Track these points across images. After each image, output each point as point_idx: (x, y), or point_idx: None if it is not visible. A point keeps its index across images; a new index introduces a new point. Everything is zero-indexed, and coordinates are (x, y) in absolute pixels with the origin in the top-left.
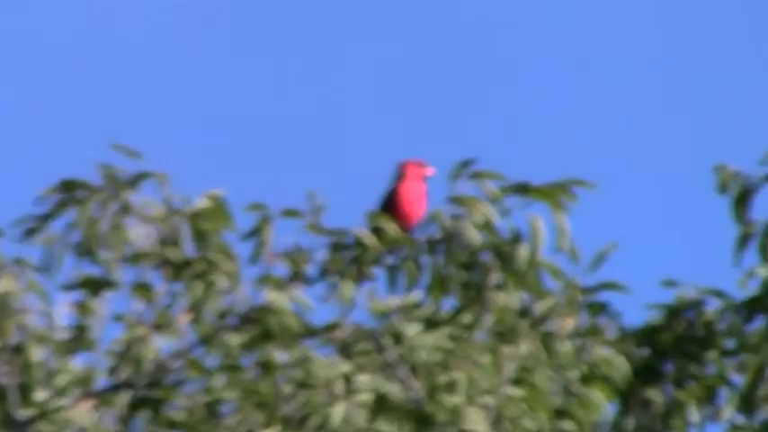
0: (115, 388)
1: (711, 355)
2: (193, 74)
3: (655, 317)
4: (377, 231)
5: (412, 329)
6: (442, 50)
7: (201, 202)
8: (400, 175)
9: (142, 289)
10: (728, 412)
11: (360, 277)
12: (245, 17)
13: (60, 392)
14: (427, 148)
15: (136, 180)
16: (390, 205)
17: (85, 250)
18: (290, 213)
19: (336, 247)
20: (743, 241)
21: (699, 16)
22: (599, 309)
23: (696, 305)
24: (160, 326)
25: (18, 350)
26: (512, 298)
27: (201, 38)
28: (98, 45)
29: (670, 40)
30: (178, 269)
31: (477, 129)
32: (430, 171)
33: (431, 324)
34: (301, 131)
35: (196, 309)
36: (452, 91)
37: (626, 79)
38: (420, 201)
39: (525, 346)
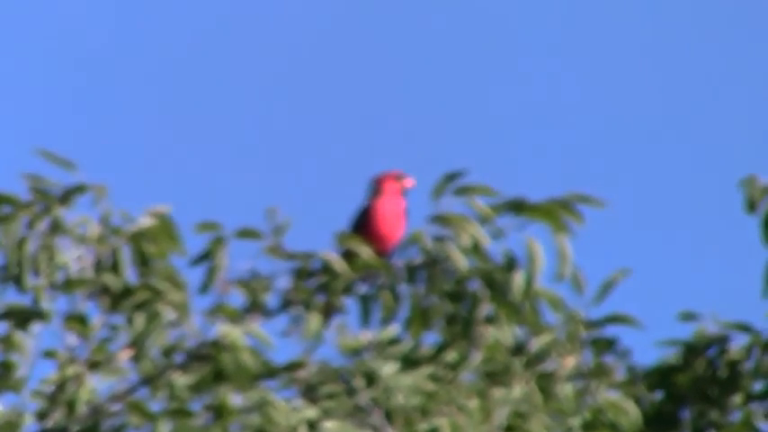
0: None
1: (736, 399)
2: (133, 76)
3: (670, 355)
4: (348, 255)
5: (388, 369)
6: (419, 53)
7: (144, 221)
8: (375, 190)
9: (76, 321)
10: None
11: (328, 309)
12: (202, 16)
13: None
14: (407, 160)
15: (69, 194)
16: (364, 225)
17: (10, 275)
18: (246, 234)
19: (301, 274)
20: None
21: (719, 16)
22: (605, 346)
23: (719, 341)
24: (96, 363)
25: None
26: (504, 333)
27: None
28: (23, 47)
29: (694, 42)
30: (117, 298)
31: (465, 139)
32: (409, 182)
33: (410, 363)
34: (260, 140)
35: (138, 344)
36: (437, 95)
37: (637, 84)
38: (398, 220)
39: (519, 389)
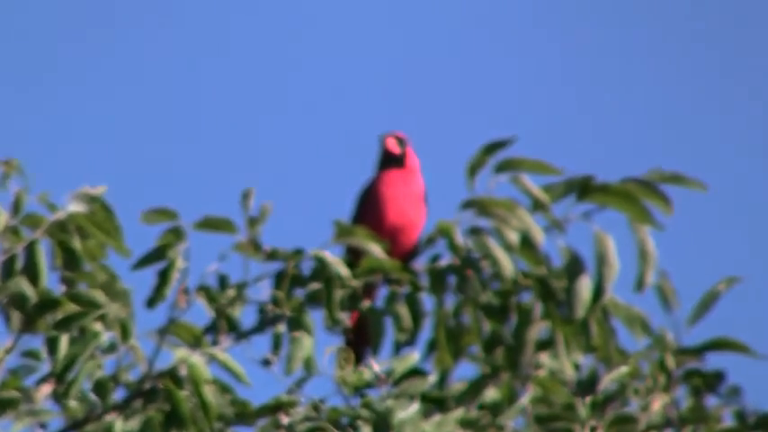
0: None
1: None
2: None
3: None
4: (352, 254)
5: (405, 412)
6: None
7: (71, 207)
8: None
9: None
10: None
11: (327, 327)
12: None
13: None
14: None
15: None
16: (365, 213)
17: None
18: (212, 225)
19: (285, 279)
20: None
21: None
22: (706, 382)
23: None
24: (6, 403)
25: None
26: (564, 363)
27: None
28: None
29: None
30: (34, 313)
31: (508, 109)
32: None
33: (435, 403)
34: (229, 110)
35: (63, 376)
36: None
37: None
38: (412, 205)
39: None
